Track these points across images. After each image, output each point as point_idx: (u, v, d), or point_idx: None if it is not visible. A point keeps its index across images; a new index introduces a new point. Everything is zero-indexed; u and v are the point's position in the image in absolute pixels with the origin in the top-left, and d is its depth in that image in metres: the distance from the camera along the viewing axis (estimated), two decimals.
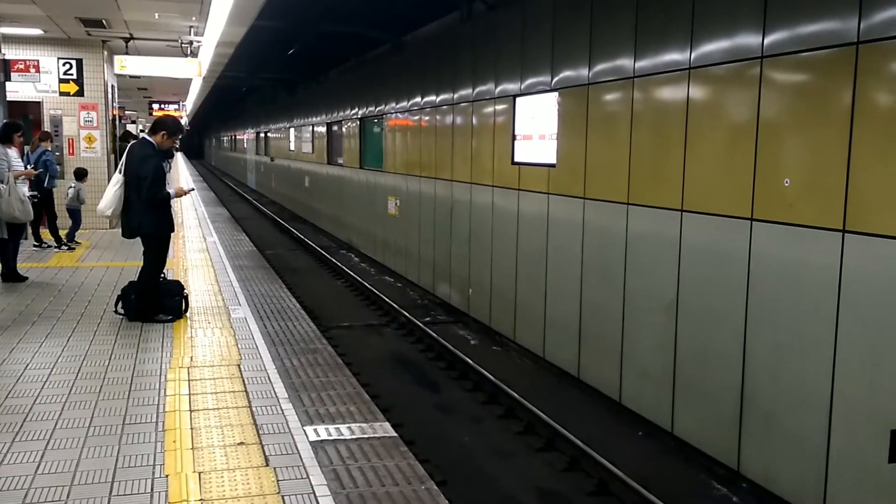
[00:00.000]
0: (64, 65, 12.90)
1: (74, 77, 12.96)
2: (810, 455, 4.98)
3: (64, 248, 11.05)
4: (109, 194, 6.65)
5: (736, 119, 5.58)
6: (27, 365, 5.50)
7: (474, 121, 10.13)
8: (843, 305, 4.73)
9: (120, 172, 6.72)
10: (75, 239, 11.34)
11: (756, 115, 5.35)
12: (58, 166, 11.33)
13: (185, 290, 7.11)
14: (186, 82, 20.04)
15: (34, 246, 11.01)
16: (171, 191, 6.74)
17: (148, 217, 6.65)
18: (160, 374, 5.32)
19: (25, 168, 9.37)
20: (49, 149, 10.86)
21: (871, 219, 4.53)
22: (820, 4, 4.85)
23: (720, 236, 5.75)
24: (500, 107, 9.39)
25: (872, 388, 4.55)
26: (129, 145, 7.20)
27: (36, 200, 10.08)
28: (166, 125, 6.88)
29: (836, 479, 4.81)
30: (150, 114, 26.32)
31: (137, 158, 6.64)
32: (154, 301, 6.81)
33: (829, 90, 4.81)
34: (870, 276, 4.56)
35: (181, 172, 34.37)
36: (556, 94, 8.11)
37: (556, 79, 8.07)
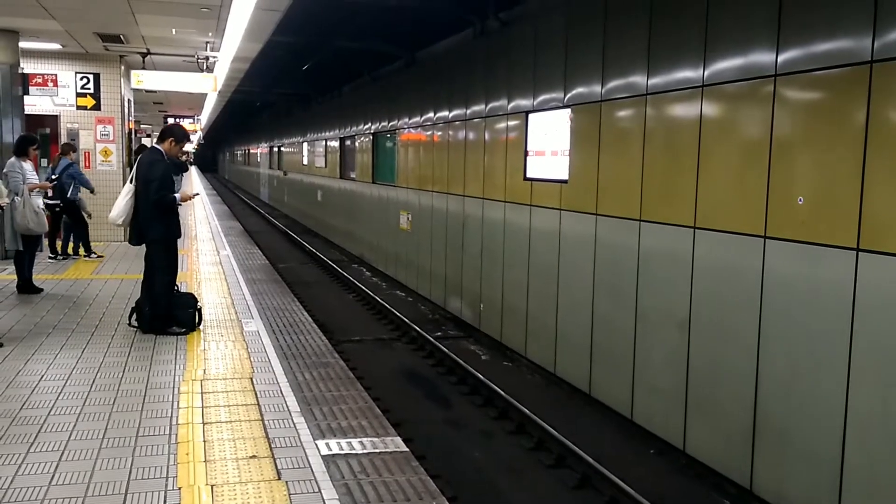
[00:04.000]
0: (81, 79, 13.07)
1: (91, 91, 13.13)
2: (824, 474, 4.94)
3: (94, 255, 11.28)
4: (120, 204, 6.81)
5: (749, 137, 5.59)
6: (42, 376, 5.54)
7: (487, 136, 10.17)
8: (857, 323, 4.71)
9: (131, 182, 6.88)
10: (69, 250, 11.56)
11: (769, 132, 5.35)
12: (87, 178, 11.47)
13: (199, 303, 7.16)
14: (202, 97, 20.23)
15: (49, 258, 11.13)
16: (177, 195, 6.86)
17: (155, 222, 6.79)
18: (173, 387, 5.34)
19: (51, 181, 9.62)
20: (73, 160, 11.04)
21: (885, 238, 4.52)
22: (834, 23, 4.86)
23: (733, 253, 5.74)
24: (512, 122, 9.43)
25: (887, 406, 4.52)
26: (139, 156, 7.37)
27: (58, 209, 10.32)
28: (173, 132, 7.07)
29: (850, 498, 4.77)
30: None
31: (146, 164, 6.86)
32: (168, 313, 6.86)
33: (843, 108, 4.81)
34: (884, 295, 4.53)
35: (195, 186, 34.57)
36: (568, 110, 8.13)
37: (568, 95, 8.10)
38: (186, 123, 26.23)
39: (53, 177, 10.48)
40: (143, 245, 7.00)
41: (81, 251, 11.44)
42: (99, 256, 11.46)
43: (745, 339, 5.62)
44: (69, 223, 11.28)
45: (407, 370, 9.34)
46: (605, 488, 5.97)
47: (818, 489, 4.99)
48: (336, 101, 20.21)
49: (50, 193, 9.80)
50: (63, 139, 12.84)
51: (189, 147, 50.28)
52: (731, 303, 5.78)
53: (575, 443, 6.54)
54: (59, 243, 11.40)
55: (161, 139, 7.05)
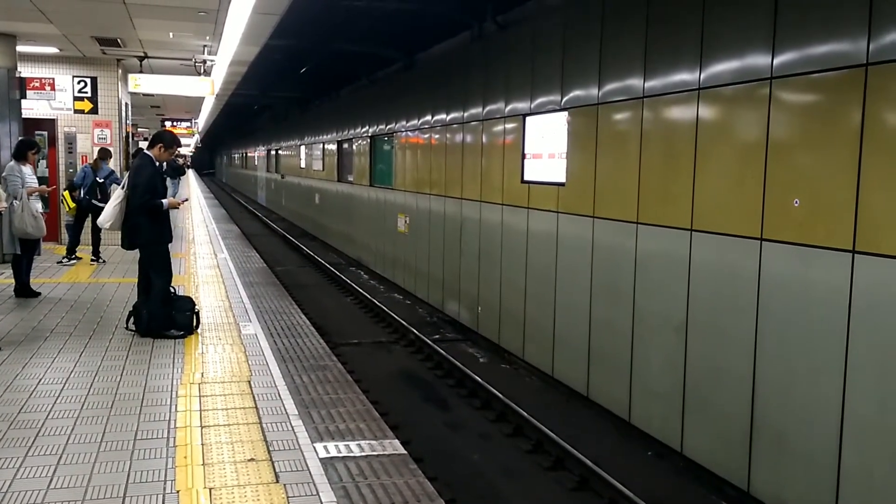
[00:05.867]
0: (79, 83, 13.07)
1: (89, 95, 13.13)
2: (821, 476, 4.95)
3: (101, 260, 11.44)
4: (109, 209, 6.89)
5: (745, 139, 5.60)
6: (40, 380, 5.54)
7: (484, 139, 10.19)
8: (854, 325, 4.72)
9: (122, 188, 6.92)
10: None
11: (765, 135, 5.37)
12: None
13: (196, 306, 7.16)
14: (199, 100, 20.22)
15: (91, 260, 11.34)
16: (164, 201, 6.87)
17: (144, 227, 6.82)
18: (171, 390, 5.35)
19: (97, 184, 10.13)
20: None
21: (880, 240, 4.53)
22: (829, 26, 4.88)
23: (730, 256, 5.75)
24: (510, 125, 9.44)
25: (883, 407, 4.53)
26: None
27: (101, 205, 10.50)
28: (163, 138, 7.14)
29: (847, 500, 4.78)
30: None
31: (134, 168, 6.99)
32: (165, 316, 6.86)
33: (839, 111, 4.83)
34: (880, 297, 4.55)
35: (192, 190, 34.56)
36: (565, 113, 8.15)
37: (565, 98, 8.12)
38: (183, 127, 26.23)
39: (99, 180, 10.98)
40: (137, 249, 7.02)
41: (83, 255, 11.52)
42: (102, 261, 11.50)
43: (742, 342, 5.63)
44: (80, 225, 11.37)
45: (405, 373, 9.34)
46: (603, 490, 5.97)
47: (815, 491, 5.00)
48: (334, 105, 20.23)
49: (47, 196, 9.86)
50: (60, 143, 12.90)
51: (186, 151, 50.27)
52: (727, 305, 5.80)
53: (573, 445, 6.55)
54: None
55: (151, 145, 7.10)
